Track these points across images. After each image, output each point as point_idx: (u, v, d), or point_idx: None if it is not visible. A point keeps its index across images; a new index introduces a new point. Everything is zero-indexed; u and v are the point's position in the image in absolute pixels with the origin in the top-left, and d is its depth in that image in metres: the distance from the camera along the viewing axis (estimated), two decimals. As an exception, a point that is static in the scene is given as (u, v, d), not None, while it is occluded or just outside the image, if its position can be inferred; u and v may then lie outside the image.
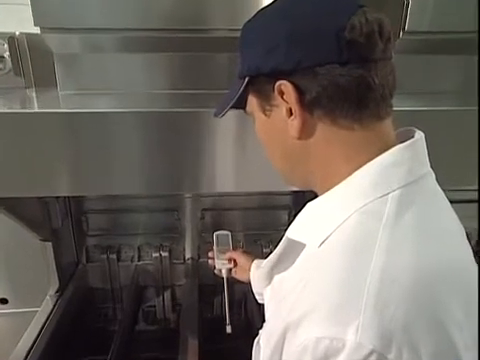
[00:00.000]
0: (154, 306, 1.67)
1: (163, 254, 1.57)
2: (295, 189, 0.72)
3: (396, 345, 0.39)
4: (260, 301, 0.87)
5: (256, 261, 0.99)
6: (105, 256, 1.56)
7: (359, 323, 0.40)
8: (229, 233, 1.19)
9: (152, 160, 0.88)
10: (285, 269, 0.59)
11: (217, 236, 1.18)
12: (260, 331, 0.68)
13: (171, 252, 1.59)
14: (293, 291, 0.49)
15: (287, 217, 1.57)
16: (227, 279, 1.08)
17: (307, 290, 0.47)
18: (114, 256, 1.56)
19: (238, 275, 1.07)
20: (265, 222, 1.58)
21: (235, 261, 1.08)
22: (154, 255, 1.57)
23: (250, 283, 0.96)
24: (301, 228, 0.55)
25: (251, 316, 1.46)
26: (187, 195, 1.52)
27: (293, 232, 0.56)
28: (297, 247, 0.55)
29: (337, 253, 0.46)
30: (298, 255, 0.55)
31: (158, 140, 0.86)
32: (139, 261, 1.61)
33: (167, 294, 1.65)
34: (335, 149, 0.50)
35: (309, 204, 0.54)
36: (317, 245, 0.48)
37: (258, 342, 0.67)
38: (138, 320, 1.66)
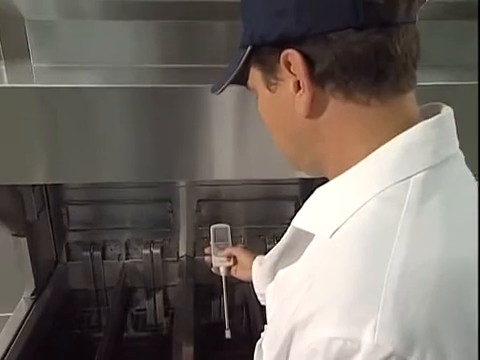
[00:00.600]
0: (144, 310, 1.68)
1: (154, 251, 1.57)
2: (303, 176, 0.72)
3: (419, 347, 0.39)
4: (263, 303, 0.87)
5: (258, 258, 0.99)
6: (88, 253, 1.56)
7: (377, 321, 0.40)
8: (228, 227, 1.19)
9: (141, 143, 0.88)
10: (291, 263, 0.59)
11: (215, 230, 1.18)
12: (262, 334, 0.68)
13: (163, 249, 1.59)
14: (300, 287, 0.49)
15: (294, 209, 1.57)
16: (226, 278, 1.09)
17: (316, 286, 0.47)
18: (98, 253, 1.57)
19: (238, 274, 1.08)
20: (269, 214, 1.58)
21: (235, 258, 1.09)
22: (144, 252, 1.58)
23: (252, 283, 0.96)
24: (310, 216, 0.55)
25: (253, 320, 1.47)
26: (181, 183, 1.52)
27: (300, 221, 0.55)
28: (305, 238, 0.55)
29: (351, 244, 0.46)
30: (305, 247, 0.55)
31: (148, 120, 0.86)
32: (127, 259, 1.62)
33: (159, 296, 1.66)
34: (349, 128, 0.49)
35: (319, 189, 0.54)
36: (328, 235, 0.48)
37: (260, 345, 0.67)
38: (126, 326, 1.67)
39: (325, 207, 0.52)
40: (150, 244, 1.58)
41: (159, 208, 1.55)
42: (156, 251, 1.57)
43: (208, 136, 0.88)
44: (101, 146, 0.87)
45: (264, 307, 0.77)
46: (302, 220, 0.56)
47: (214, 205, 1.57)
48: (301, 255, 0.55)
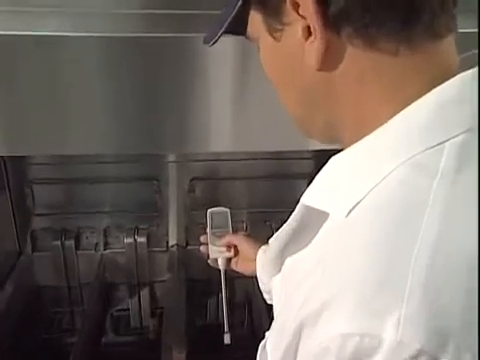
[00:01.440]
0: (127, 310, 1.71)
1: (138, 239, 1.59)
2: (318, 147, 0.71)
3: (454, 344, 0.39)
4: (269, 301, 0.88)
5: (263, 247, 0.99)
6: (58, 243, 1.57)
7: (401, 314, 0.39)
8: (228, 211, 1.20)
9: (121, 107, 0.88)
10: (300, 250, 0.59)
11: (212, 215, 1.19)
12: (267, 333, 0.69)
13: (149, 237, 1.61)
14: (310, 274, 0.49)
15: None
16: (225, 272, 1.10)
17: (329, 272, 0.47)
18: (71, 243, 1.58)
19: (240, 267, 1.09)
20: (276, 196, 1.59)
21: (236, 248, 1.09)
22: (126, 241, 1.59)
23: (256, 277, 0.97)
24: (322, 192, 0.55)
25: (258, 321, 1.49)
26: (170, 158, 1.53)
27: (311, 197, 0.55)
28: (317, 219, 0.55)
29: (371, 222, 0.45)
30: (318, 230, 0.55)
31: (128, 77, 0.85)
32: (106, 249, 1.63)
33: (144, 293, 1.68)
34: (372, 83, 0.49)
35: (334, 158, 0.54)
36: (344, 214, 0.48)
37: (264, 346, 0.68)
38: (105, 329, 1.69)
39: (341, 180, 0.52)
40: (134, 231, 1.59)
41: (144, 188, 1.56)
42: (141, 240, 1.59)
43: (202, 98, 0.88)
44: (72, 110, 0.87)
45: (270, 306, 0.78)
46: (313, 196, 0.56)
47: (210, 185, 1.57)
48: (312, 239, 0.56)
